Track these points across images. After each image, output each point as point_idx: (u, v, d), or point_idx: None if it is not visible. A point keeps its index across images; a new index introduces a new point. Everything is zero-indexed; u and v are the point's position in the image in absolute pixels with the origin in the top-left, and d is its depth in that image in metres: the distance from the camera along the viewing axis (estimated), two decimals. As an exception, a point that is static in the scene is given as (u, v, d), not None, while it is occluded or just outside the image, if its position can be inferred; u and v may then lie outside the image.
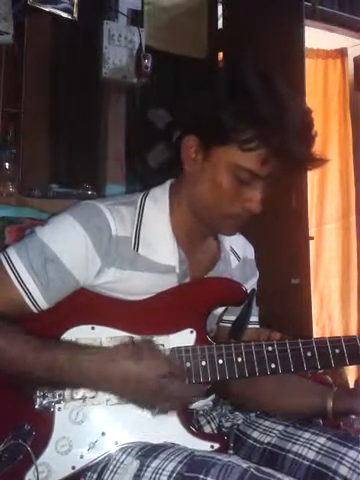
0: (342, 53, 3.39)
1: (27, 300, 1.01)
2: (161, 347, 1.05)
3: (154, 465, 0.90)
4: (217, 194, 1.04)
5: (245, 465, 0.86)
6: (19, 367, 0.97)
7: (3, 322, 1.00)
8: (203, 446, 1.01)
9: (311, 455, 1.02)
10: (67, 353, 0.97)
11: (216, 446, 1.02)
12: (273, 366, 1.06)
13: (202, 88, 1.08)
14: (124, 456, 0.95)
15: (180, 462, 0.89)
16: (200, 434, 1.05)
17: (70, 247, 1.03)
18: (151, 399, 1.00)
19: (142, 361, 0.97)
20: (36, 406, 1.01)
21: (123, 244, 1.06)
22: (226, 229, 1.13)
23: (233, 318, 1.31)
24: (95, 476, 0.96)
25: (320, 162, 1.05)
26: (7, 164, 1.95)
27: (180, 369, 1.02)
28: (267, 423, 1.15)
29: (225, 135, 1.00)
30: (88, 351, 0.99)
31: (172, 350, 1.05)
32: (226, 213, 1.06)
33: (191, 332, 1.07)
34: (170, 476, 0.87)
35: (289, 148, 0.97)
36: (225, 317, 1.30)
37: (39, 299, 1.02)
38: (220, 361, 1.05)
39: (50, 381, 0.99)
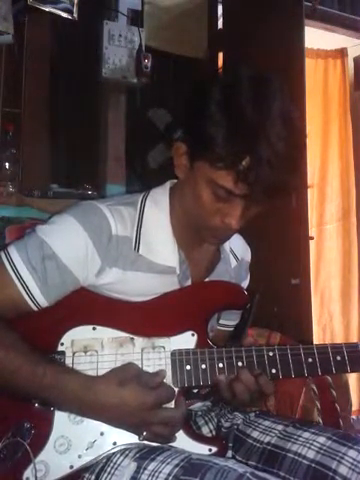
0: (342, 53, 3.38)
1: (26, 296, 1.01)
2: (162, 349, 1.05)
3: (151, 468, 0.90)
4: (197, 206, 1.04)
5: (241, 470, 0.85)
6: (13, 379, 0.96)
7: (3, 330, 0.99)
8: (201, 449, 1.01)
9: (311, 455, 1.02)
10: (55, 372, 0.96)
11: (214, 450, 1.01)
12: (274, 371, 1.05)
13: (193, 95, 1.04)
14: (121, 458, 0.95)
15: (177, 465, 0.89)
16: (199, 437, 1.05)
17: (69, 245, 1.03)
18: (134, 429, 0.99)
19: (125, 391, 0.95)
20: (36, 404, 1.01)
21: (123, 244, 1.06)
22: (208, 239, 1.11)
23: (229, 323, 1.32)
24: (93, 478, 0.96)
25: (296, 189, 1.03)
26: (7, 164, 1.96)
27: (167, 395, 1.00)
28: (267, 423, 1.15)
29: (203, 149, 0.97)
30: (74, 374, 0.98)
31: (173, 353, 1.05)
32: (206, 225, 1.05)
33: (192, 335, 1.07)
34: (166, 479, 0.87)
35: (258, 175, 0.93)
36: (222, 321, 1.30)
37: (38, 296, 1.02)
38: (220, 365, 1.05)
39: (35, 397, 0.99)
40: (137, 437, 0.99)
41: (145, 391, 0.97)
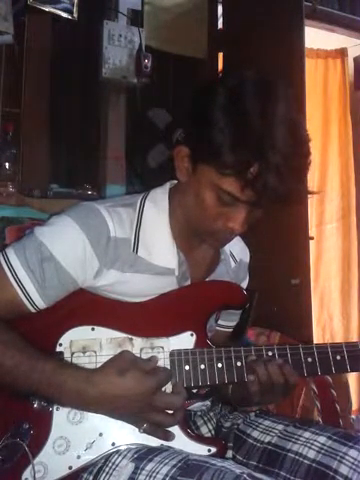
0: (342, 53, 3.38)
1: (24, 299, 1.01)
2: (160, 349, 1.05)
3: (148, 468, 0.90)
4: (200, 209, 1.03)
5: (238, 471, 0.85)
6: (12, 376, 0.96)
7: (1, 328, 0.99)
8: (200, 450, 1.00)
9: (311, 454, 1.02)
10: (54, 367, 0.96)
11: (214, 450, 1.01)
12: None
13: (195, 98, 1.03)
14: (120, 459, 0.95)
15: (174, 466, 0.89)
16: (198, 437, 1.05)
17: (67, 247, 1.03)
18: (137, 418, 0.99)
19: (126, 380, 0.94)
20: (35, 405, 1.01)
21: (122, 246, 1.06)
22: (209, 241, 1.11)
23: (228, 323, 1.32)
24: (91, 478, 0.95)
25: (305, 197, 1.02)
26: (7, 164, 1.96)
27: (165, 376, 1.00)
28: (267, 422, 1.15)
29: (208, 154, 0.97)
30: (73, 369, 0.98)
31: (171, 353, 1.05)
32: (208, 228, 1.05)
33: (191, 335, 1.07)
34: (163, 479, 0.87)
35: (266, 182, 0.92)
36: (221, 322, 1.30)
37: (36, 298, 1.02)
38: (219, 365, 1.05)
39: (35, 393, 0.98)
40: (136, 434, 0.99)
41: (145, 376, 0.96)
